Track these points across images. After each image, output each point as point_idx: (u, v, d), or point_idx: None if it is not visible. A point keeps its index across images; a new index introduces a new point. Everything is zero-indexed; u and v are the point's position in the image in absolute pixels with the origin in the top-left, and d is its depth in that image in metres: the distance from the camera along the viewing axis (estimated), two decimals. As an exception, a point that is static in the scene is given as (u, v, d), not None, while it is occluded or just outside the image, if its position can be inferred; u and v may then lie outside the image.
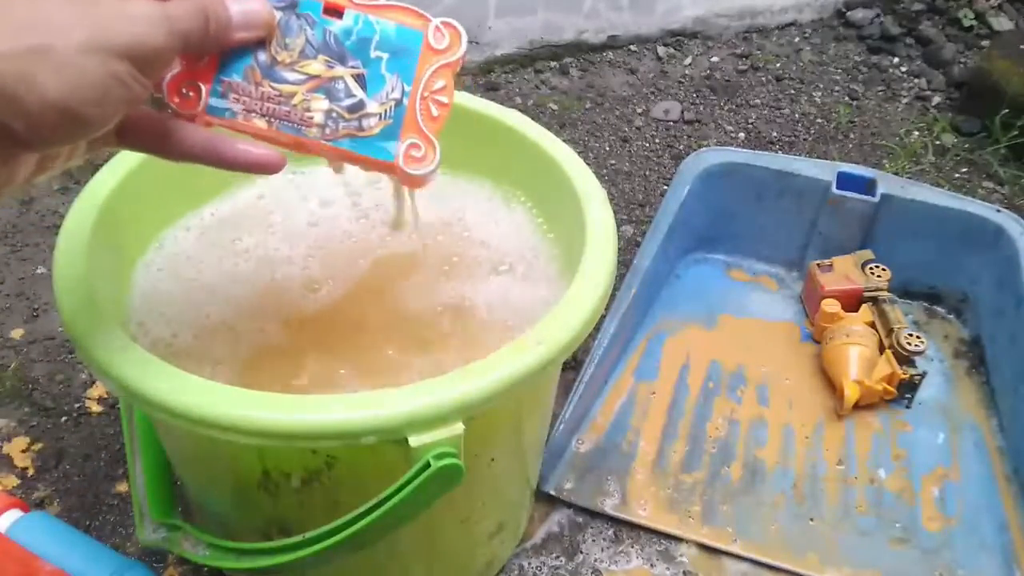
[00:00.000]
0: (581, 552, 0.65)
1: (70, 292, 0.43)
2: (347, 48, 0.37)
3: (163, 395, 0.39)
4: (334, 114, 0.37)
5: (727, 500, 0.68)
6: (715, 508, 0.68)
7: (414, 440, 0.39)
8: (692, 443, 0.72)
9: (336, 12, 0.37)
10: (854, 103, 1.21)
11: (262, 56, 0.36)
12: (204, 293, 0.52)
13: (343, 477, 0.44)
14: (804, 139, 1.14)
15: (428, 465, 0.39)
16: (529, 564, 0.64)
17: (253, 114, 0.36)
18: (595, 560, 0.64)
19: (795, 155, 1.04)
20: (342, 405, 0.38)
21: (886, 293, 0.80)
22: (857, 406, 0.75)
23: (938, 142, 1.13)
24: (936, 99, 1.22)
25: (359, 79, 0.37)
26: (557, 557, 0.64)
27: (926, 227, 0.83)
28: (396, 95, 0.37)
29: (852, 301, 0.80)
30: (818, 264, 0.83)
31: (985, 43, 1.31)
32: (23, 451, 0.70)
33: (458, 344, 0.50)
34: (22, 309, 0.82)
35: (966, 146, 1.12)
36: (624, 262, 0.82)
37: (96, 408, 0.73)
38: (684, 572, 0.64)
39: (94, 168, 0.51)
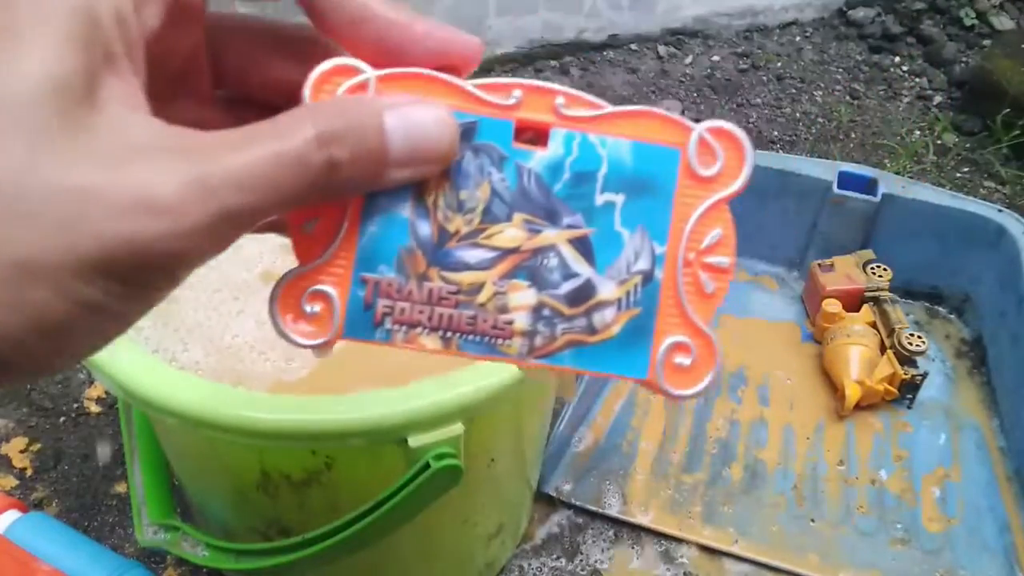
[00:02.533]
0: (581, 553, 0.64)
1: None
2: (557, 195, 0.23)
3: (163, 395, 0.39)
4: (546, 312, 0.23)
5: (728, 501, 0.68)
6: (716, 509, 0.67)
7: (413, 441, 0.39)
8: (692, 444, 0.72)
9: (536, 136, 0.23)
10: (855, 102, 1.21)
11: (423, 227, 0.22)
12: (215, 306, 0.52)
13: (342, 478, 0.44)
14: (805, 138, 1.14)
15: (427, 466, 0.39)
16: (529, 565, 0.64)
17: (420, 329, 0.23)
18: (595, 561, 0.64)
19: (796, 154, 1.04)
20: (341, 406, 0.38)
21: (887, 293, 0.80)
22: (858, 406, 0.75)
23: (939, 141, 1.12)
24: (937, 98, 1.22)
25: (581, 245, 0.23)
26: (557, 558, 0.64)
27: (927, 227, 0.83)
28: (644, 264, 0.23)
29: (853, 301, 0.80)
30: (819, 264, 0.82)
31: (986, 42, 1.30)
32: (21, 451, 0.69)
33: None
34: (21, 308, 0.82)
35: (967, 145, 1.12)
36: (624, 262, 0.81)
37: (95, 408, 0.73)
38: (685, 573, 0.64)
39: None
